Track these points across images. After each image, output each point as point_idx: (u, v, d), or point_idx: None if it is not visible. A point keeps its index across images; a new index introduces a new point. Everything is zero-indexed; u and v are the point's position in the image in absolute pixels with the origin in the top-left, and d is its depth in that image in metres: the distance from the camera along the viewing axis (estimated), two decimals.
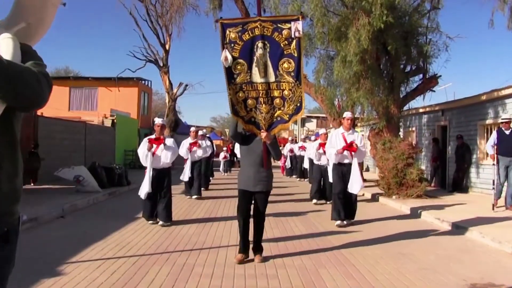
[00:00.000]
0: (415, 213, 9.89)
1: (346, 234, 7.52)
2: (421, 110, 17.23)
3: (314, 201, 11.51)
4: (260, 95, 5.54)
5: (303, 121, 49.15)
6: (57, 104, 24.06)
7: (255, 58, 5.49)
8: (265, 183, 5.68)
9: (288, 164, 21.70)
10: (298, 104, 5.55)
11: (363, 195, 12.73)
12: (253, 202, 5.80)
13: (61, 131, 15.91)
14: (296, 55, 5.44)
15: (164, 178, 8.18)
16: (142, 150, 8.17)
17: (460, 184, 13.99)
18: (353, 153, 8.25)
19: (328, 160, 10.25)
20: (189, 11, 26.78)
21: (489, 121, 13.06)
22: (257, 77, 5.52)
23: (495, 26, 14.95)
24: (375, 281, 4.93)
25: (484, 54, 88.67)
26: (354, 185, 8.19)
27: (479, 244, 6.97)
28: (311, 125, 51.35)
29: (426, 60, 13.10)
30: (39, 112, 14.72)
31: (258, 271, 5.20)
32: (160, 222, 8.01)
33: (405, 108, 14.86)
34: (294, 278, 5.00)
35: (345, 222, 8.31)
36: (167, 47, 26.53)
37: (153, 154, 8.07)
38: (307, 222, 8.68)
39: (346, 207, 8.35)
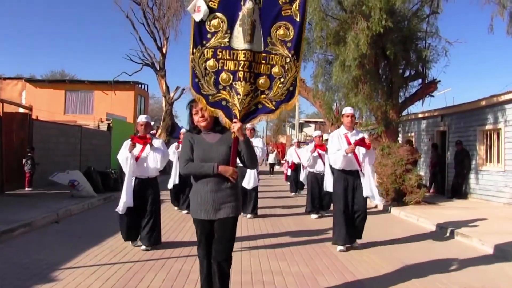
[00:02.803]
0: (413, 220, 9.81)
1: None
2: (420, 116, 17.18)
3: (314, 216, 10.00)
4: (240, 67, 3.84)
5: (301, 126, 49.05)
6: (53, 108, 24.05)
7: (240, 14, 3.91)
8: (232, 205, 3.78)
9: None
10: (291, 88, 3.96)
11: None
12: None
13: (56, 135, 15.78)
14: (298, 19, 3.95)
15: (149, 190, 6.51)
16: (123, 153, 6.43)
17: (459, 190, 13.92)
18: (362, 154, 6.65)
19: (324, 165, 9.70)
20: (186, 14, 26.68)
21: (488, 127, 13.00)
22: (239, 42, 3.90)
23: (494, 31, 14.90)
24: (372, 282, 4.87)
25: (484, 59, 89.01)
26: (374, 195, 6.70)
27: (480, 252, 6.89)
28: (309, 130, 51.31)
29: (425, 65, 13.05)
30: (34, 116, 14.61)
31: (255, 278, 5.11)
32: (143, 247, 6.43)
33: (404, 113, 14.80)
34: (291, 285, 4.92)
35: (350, 245, 6.82)
36: (164, 50, 26.49)
37: (137, 158, 6.42)
38: (305, 228, 8.58)
39: (351, 227, 6.72)
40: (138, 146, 6.40)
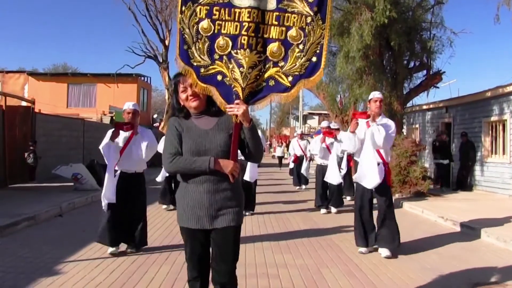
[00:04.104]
0: (418, 212, 9.76)
1: (348, 233, 7.37)
2: (424, 107, 17.07)
3: (323, 211, 9.58)
4: (243, 31, 2.90)
5: (305, 118, 48.88)
6: (55, 101, 24.04)
7: None
8: (234, 211, 2.92)
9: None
10: (315, 59, 2.96)
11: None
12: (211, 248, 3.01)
13: (59, 128, 15.77)
14: None
15: (135, 186, 5.81)
16: (105, 142, 5.62)
17: (464, 182, 13.83)
18: (377, 133, 5.77)
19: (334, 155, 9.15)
20: None
21: (494, 118, 12.90)
22: None
23: (500, 22, 14.73)
24: (378, 281, 4.82)
25: (489, 50, 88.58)
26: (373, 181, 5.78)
27: (484, 244, 6.84)
28: (313, 122, 51.16)
29: (430, 56, 12.97)
30: (36, 109, 14.59)
31: (259, 271, 5.09)
32: (128, 250, 5.84)
33: (409, 104, 14.75)
34: (295, 277, 4.89)
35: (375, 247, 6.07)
36: (166, 42, 26.38)
37: (122, 151, 5.68)
38: (309, 221, 8.55)
39: (371, 228, 6.09)
40: (124, 137, 5.69)
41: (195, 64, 2.96)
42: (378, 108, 5.98)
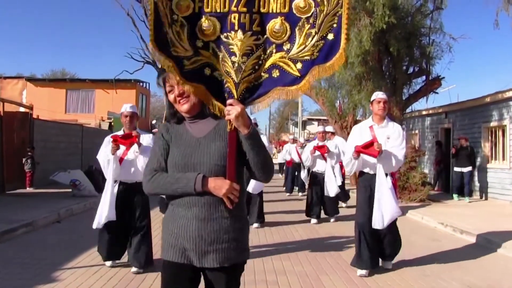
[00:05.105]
0: (417, 218, 9.72)
1: (347, 239, 7.33)
2: (424, 113, 17.06)
3: (313, 221, 8.92)
4: (233, 6, 2.19)
5: (304, 124, 48.91)
6: (54, 107, 24.00)
7: None
8: (233, 246, 2.20)
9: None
10: (331, 36, 2.19)
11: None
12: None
13: (57, 134, 15.76)
14: None
15: (137, 198, 5.26)
16: (104, 154, 5.25)
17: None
18: (390, 161, 5.10)
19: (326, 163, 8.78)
20: None
21: (493, 124, 12.89)
22: None
23: (500, 27, 14.78)
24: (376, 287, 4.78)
25: (489, 56, 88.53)
26: (387, 211, 5.10)
27: (484, 250, 6.80)
28: (313, 128, 51.14)
29: (429, 61, 12.97)
30: (35, 115, 14.57)
31: (258, 278, 5.04)
32: (134, 269, 5.19)
33: (408, 110, 14.73)
34: (294, 284, 4.86)
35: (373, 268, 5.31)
36: None
37: (121, 160, 5.21)
38: (308, 227, 8.50)
39: (374, 247, 5.30)
40: (123, 147, 5.21)
41: (175, 54, 2.20)
42: (382, 110, 5.28)
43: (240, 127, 2.08)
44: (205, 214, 2.14)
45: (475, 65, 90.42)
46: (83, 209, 10.21)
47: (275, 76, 2.21)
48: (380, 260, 5.45)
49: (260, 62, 2.21)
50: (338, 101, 15.68)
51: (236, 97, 2.16)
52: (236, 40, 2.16)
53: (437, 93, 14.39)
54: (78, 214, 9.64)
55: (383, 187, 5.05)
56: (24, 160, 12.75)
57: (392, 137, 5.17)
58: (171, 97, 2.28)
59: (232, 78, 2.18)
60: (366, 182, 5.30)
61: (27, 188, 12.91)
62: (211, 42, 2.21)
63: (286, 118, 60.11)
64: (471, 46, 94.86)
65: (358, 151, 5.08)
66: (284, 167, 15.25)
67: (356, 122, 17.07)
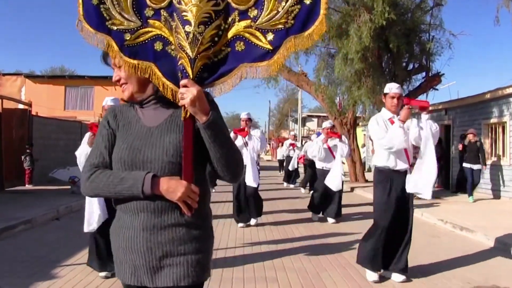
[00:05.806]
0: (417, 214, 9.69)
1: (347, 235, 7.33)
2: None
3: (315, 218, 8.89)
4: None
5: (304, 120, 48.87)
6: (52, 104, 23.94)
7: None
8: (189, 260, 1.72)
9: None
10: (308, 0, 1.73)
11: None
12: None
13: (56, 131, 15.76)
14: None
15: None
16: (82, 149, 4.85)
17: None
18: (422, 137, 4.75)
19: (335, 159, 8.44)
20: None
21: (493, 120, 12.87)
22: None
23: (500, 23, 14.76)
24: (377, 284, 4.77)
25: (489, 52, 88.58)
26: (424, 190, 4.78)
27: (483, 246, 6.80)
28: (312, 124, 51.16)
29: (429, 57, 12.96)
30: (33, 112, 14.55)
31: (258, 274, 5.02)
32: None
33: None
34: (294, 281, 4.84)
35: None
36: None
37: None
38: (308, 225, 8.48)
39: (392, 252, 4.86)
40: None
41: (114, 28, 1.80)
42: (395, 107, 4.87)
43: (197, 113, 1.66)
44: (154, 222, 1.70)
45: (475, 62, 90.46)
46: (82, 206, 10.15)
47: (240, 50, 1.77)
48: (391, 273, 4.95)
49: (220, 32, 1.77)
50: (337, 98, 15.65)
51: (191, 76, 1.72)
52: (190, 5, 1.70)
53: (437, 89, 14.39)
54: (77, 211, 9.59)
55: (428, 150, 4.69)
56: (23, 157, 12.74)
57: (412, 125, 4.82)
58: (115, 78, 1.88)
59: (186, 53, 1.72)
60: (388, 178, 4.87)
61: (26, 185, 12.91)
62: (162, 9, 1.79)
63: (286, 115, 60.03)
64: (471, 43, 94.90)
65: (408, 103, 4.79)
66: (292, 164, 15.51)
67: (356, 118, 17.08)
